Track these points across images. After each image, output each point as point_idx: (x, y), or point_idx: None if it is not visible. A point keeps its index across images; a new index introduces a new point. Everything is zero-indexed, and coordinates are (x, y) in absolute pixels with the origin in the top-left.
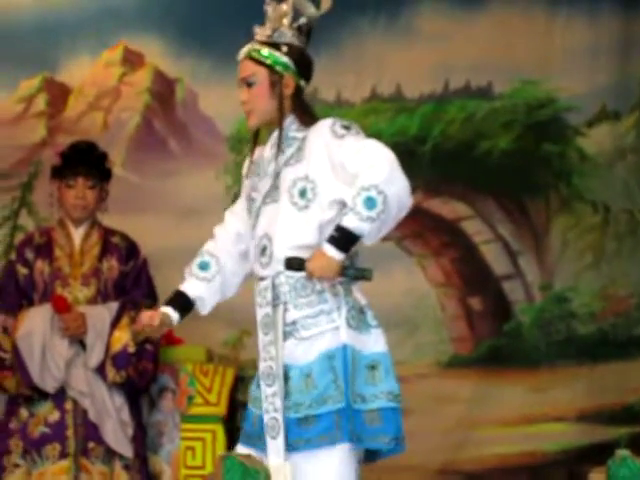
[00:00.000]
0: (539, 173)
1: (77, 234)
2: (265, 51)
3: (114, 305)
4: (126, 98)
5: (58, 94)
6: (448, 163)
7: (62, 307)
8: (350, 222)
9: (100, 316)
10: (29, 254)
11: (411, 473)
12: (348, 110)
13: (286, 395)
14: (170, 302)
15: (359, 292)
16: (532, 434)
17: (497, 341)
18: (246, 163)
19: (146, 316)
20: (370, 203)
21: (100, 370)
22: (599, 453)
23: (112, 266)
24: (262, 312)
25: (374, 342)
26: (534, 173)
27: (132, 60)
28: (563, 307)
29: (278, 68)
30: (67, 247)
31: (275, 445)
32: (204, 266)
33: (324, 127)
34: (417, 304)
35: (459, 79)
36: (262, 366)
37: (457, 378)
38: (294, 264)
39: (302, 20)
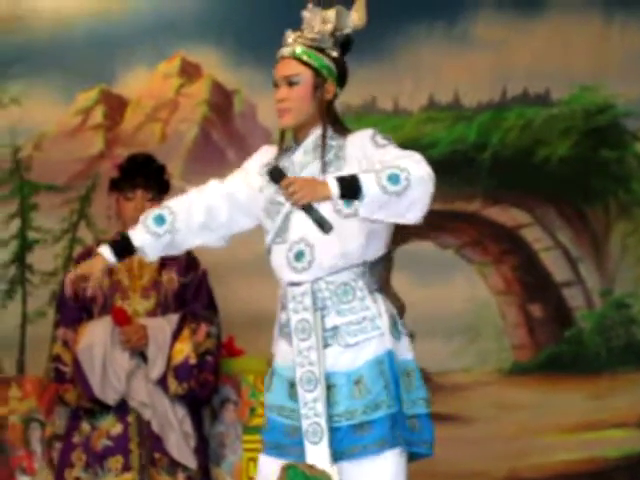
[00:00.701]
0: (598, 179)
1: None
2: (313, 53)
3: (174, 317)
4: (184, 110)
5: (115, 106)
6: (507, 170)
7: (122, 320)
8: (366, 178)
9: (161, 328)
10: None
11: None
12: (406, 119)
13: (333, 403)
14: (113, 244)
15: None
16: (594, 440)
17: (558, 348)
18: (257, 159)
19: (86, 267)
20: (394, 179)
21: (162, 382)
22: None
23: (172, 278)
24: (298, 317)
25: (405, 349)
26: (593, 179)
27: (189, 71)
28: (623, 313)
29: (324, 72)
30: (126, 260)
31: (317, 450)
32: (159, 221)
33: (365, 137)
34: (478, 312)
35: (517, 86)
36: (300, 372)
37: (518, 386)
38: (275, 173)
39: (345, 31)
